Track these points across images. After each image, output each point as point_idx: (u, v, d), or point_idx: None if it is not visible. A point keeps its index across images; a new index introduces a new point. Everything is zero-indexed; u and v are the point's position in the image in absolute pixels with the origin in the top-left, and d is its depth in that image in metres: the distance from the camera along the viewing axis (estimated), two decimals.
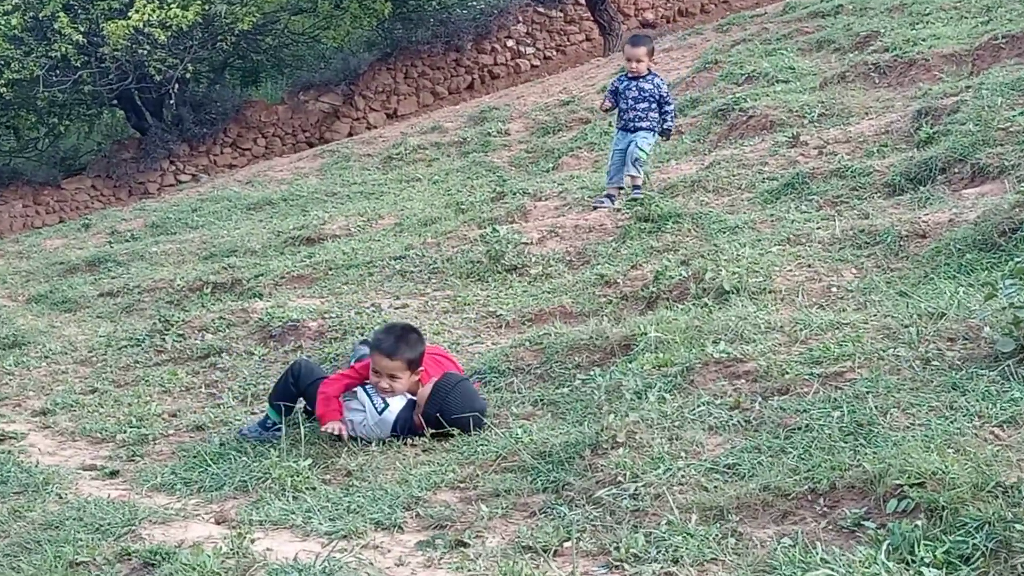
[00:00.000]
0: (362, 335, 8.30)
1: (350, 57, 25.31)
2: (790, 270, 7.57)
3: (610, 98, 10.85)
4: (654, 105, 10.56)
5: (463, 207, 12.20)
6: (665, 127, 10.66)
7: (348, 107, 24.69)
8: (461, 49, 24.99)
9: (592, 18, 24.65)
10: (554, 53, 25.56)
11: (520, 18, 25.46)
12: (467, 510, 5.03)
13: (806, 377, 5.46)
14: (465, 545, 4.60)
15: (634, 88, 10.60)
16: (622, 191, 10.58)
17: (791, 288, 7.25)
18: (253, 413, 7.32)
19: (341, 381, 6.43)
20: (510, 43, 25.37)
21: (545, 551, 4.39)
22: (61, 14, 21.42)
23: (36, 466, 6.44)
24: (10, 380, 9.09)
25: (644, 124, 10.56)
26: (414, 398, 6.29)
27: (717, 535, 4.26)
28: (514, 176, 14.02)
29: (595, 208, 10.45)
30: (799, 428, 4.98)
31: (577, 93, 17.73)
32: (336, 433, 6.21)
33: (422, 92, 24.94)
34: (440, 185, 14.66)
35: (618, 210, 10.16)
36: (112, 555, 4.72)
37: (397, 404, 6.24)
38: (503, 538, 4.67)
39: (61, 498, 5.78)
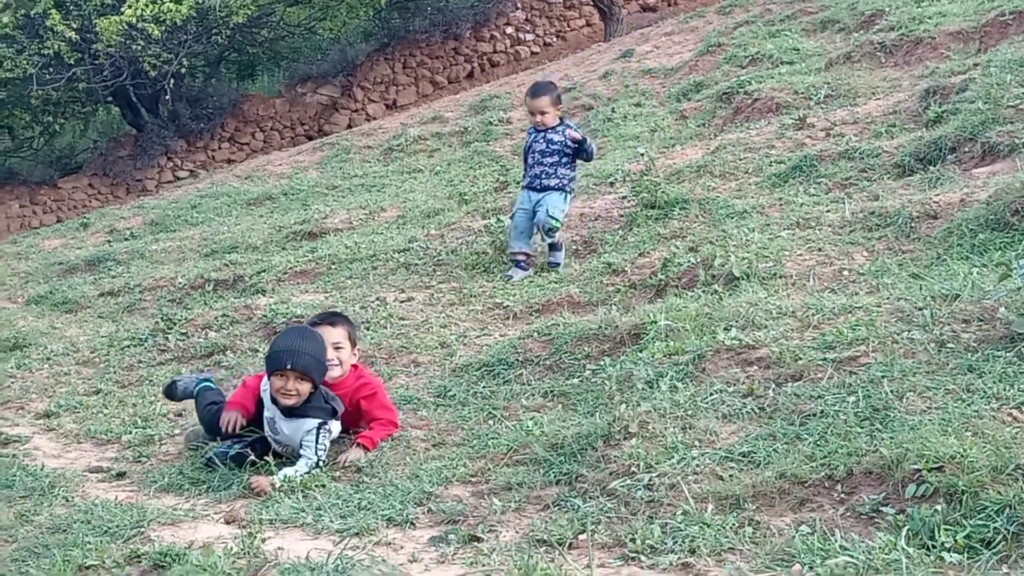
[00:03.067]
0: (367, 329, 8.25)
1: (347, 48, 25.20)
2: (800, 254, 7.52)
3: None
4: (564, 160, 9.19)
5: (466, 198, 12.14)
6: (586, 147, 9.20)
7: (346, 99, 24.61)
8: (459, 37, 24.89)
9: (592, 2, 24.55)
10: (554, 39, 25.46)
11: (519, 4, 25.35)
12: (479, 504, 4.99)
13: (820, 362, 5.41)
14: (478, 540, 4.57)
15: (541, 140, 9.27)
16: (530, 258, 9.26)
17: (802, 272, 7.19)
18: None
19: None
20: (509, 30, 25.28)
21: (560, 544, 4.35)
22: (53, 11, 21.34)
23: (41, 469, 6.38)
24: (12, 383, 9.04)
25: (552, 182, 9.17)
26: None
27: (734, 524, 4.23)
28: (517, 165, 13.90)
29: (508, 280, 9.03)
30: (814, 414, 4.94)
31: (578, 79, 17.64)
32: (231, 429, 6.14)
33: (421, 82, 24.86)
34: (442, 176, 14.59)
35: (535, 274, 9.13)
36: (122, 558, 4.67)
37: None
38: (517, 532, 4.64)
39: (68, 501, 5.73)
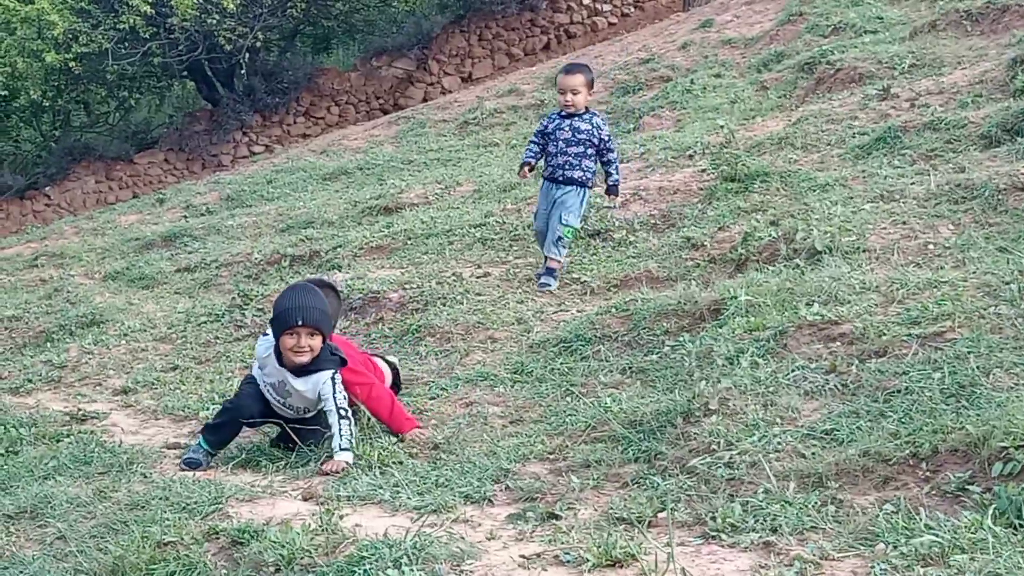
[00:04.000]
0: (444, 304, 8.22)
1: (422, 20, 25.14)
2: (884, 228, 7.39)
3: (532, 150, 8.81)
4: (590, 151, 8.54)
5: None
6: (611, 182, 8.64)
7: (422, 72, 24.57)
8: (536, 9, 24.74)
9: None
10: (632, 10, 25.22)
11: None
12: (557, 482, 4.97)
13: (904, 338, 5.33)
14: (557, 517, 4.54)
15: (567, 128, 8.58)
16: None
17: (886, 246, 7.07)
18: None
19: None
20: (586, 1, 25.08)
21: (639, 522, 4.32)
22: None
23: (119, 446, 6.44)
24: (90, 359, 9.14)
25: (575, 174, 8.52)
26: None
27: (816, 503, 4.19)
28: None
29: (545, 288, 8.36)
30: (898, 391, 4.87)
31: (657, 51, 17.50)
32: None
33: (497, 54, 24.76)
34: (518, 149, 14.48)
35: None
36: (200, 534, 4.69)
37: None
38: (595, 510, 4.61)
39: (146, 477, 5.77)
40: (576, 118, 8.58)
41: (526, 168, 8.83)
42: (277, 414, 6.13)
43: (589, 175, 8.60)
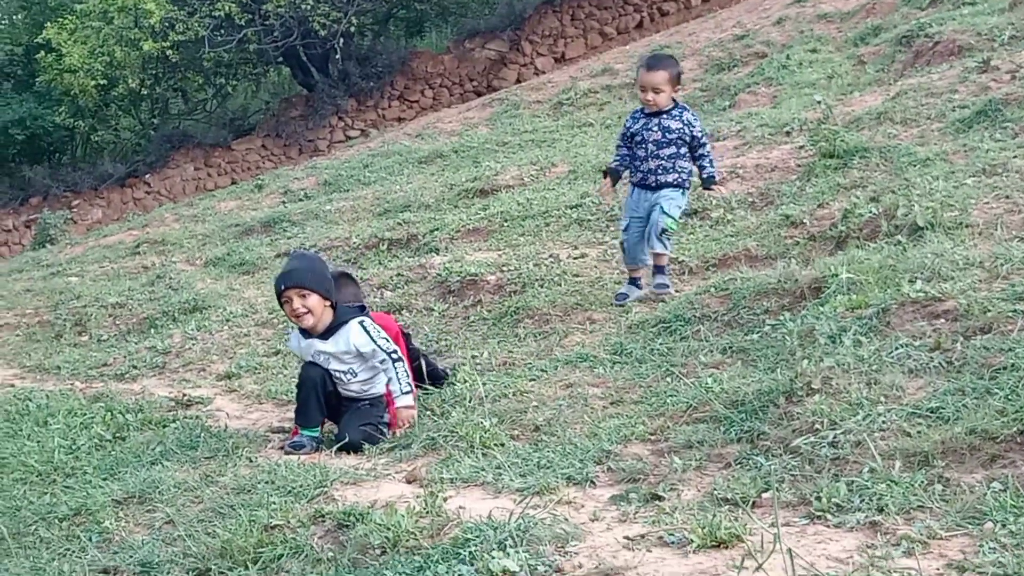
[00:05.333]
0: (541, 286, 8.23)
1: (515, 1, 25.16)
2: (987, 202, 7.27)
3: (619, 155, 8.01)
4: (683, 151, 7.73)
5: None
6: (705, 175, 7.82)
7: (515, 53, 24.59)
8: None
9: None
10: None
11: None
12: (660, 463, 4.95)
13: (1010, 314, 5.24)
14: (660, 498, 4.53)
15: (655, 128, 7.73)
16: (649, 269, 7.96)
17: (989, 221, 6.95)
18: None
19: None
20: None
21: (743, 502, 4.29)
22: None
23: (225, 430, 6.54)
24: (193, 344, 9.28)
25: (670, 177, 7.72)
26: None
27: (922, 482, 4.13)
28: None
29: (619, 304, 7.76)
30: (1005, 368, 4.79)
31: (752, 27, 17.36)
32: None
33: (590, 34, 24.70)
34: (613, 130, 14.44)
35: (643, 300, 7.78)
36: (306, 517, 4.75)
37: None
38: (699, 490, 4.59)
39: (251, 462, 5.85)
40: (664, 115, 7.73)
41: (610, 180, 8.03)
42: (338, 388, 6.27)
43: (685, 175, 7.80)
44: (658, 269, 7.77)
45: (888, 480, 4.16)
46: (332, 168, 17.70)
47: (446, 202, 12.46)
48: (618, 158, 7.98)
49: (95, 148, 27.53)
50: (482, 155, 15.26)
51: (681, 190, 7.78)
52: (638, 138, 7.80)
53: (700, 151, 7.76)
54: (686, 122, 7.72)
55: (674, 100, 7.81)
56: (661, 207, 7.63)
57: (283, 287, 6.14)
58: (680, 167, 7.74)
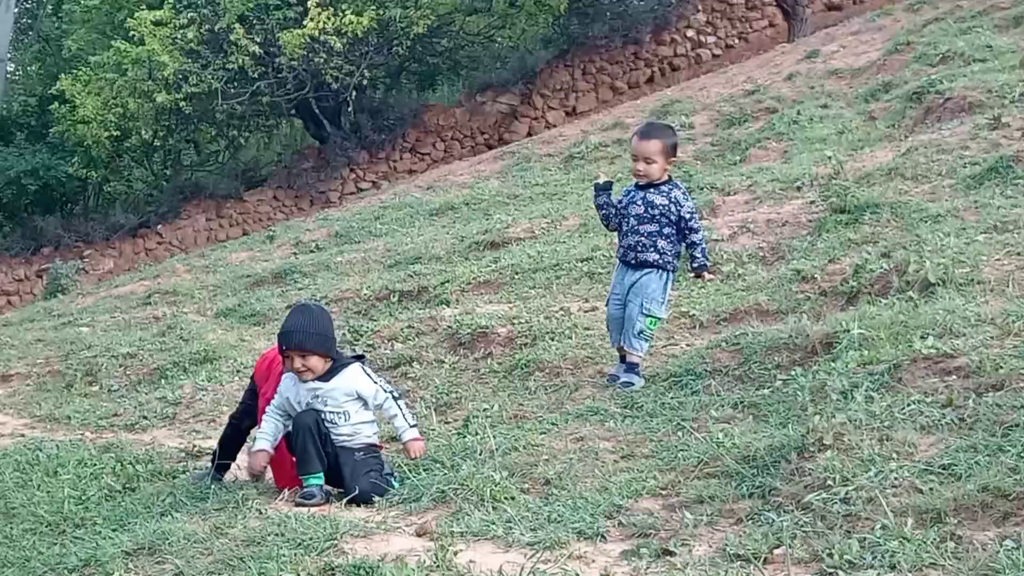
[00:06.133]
0: (552, 339, 8.23)
1: (526, 55, 25.32)
2: (999, 259, 7.28)
3: (612, 216, 7.51)
4: (667, 230, 7.14)
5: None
6: (695, 265, 7.26)
7: (526, 106, 24.72)
8: (639, 42, 24.79)
9: (775, 2, 24.24)
10: (736, 41, 25.20)
11: (699, 6, 25.16)
12: (671, 517, 4.95)
13: (1022, 371, 5.24)
14: (671, 554, 4.52)
15: (639, 202, 7.24)
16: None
17: (1001, 278, 6.95)
18: (446, 422, 7.31)
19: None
20: (690, 33, 25.10)
21: (755, 559, 4.28)
22: (237, 26, 21.94)
23: (235, 481, 6.52)
24: (203, 395, 9.29)
25: (650, 257, 7.14)
26: None
27: (935, 539, 4.13)
28: (700, 170, 13.80)
29: (613, 383, 7.23)
30: (1017, 425, 4.80)
31: (762, 82, 17.44)
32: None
33: (601, 88, 24.84)
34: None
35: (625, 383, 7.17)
36: (316, 570, 4.73)
37: None
38: (710, 546, 4.58)
39: (261, 513, 5.81)
40: (652, 190, 7.21)
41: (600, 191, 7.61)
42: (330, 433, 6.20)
43: (669, 257, 7.18)
44: (629, 366, 7.21)
45: (900, 537, 4.15)
46: (343, 220, 17.74)
47: (457, 254, 12.47)
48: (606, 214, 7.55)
49: (107, 199, 27.69)
50: (493, 208, 15.29)
51: (662, 274, 7.17)
52: (623, 212, 7.33)
53: (691, 236, 7.18)
54: (673, 199, 7.15)
55: (668, 174, 7.30)
56: (641, 305, 7.10)
57: (284, 347, 6.16)
58: (662, 247, 7.14)
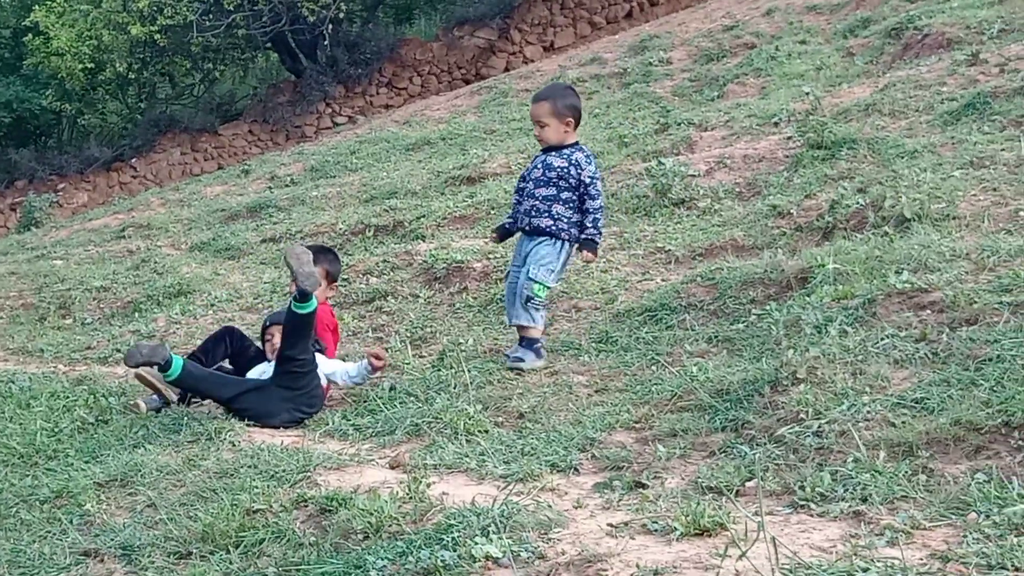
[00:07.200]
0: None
1: None
2: (974, 194, 7.27)
3: (512, 209, 7.09)
4: (565, 195, 6.64)
5: (626, 140, 11.96)
6: (585, 235, 6.67)
7: (504, 41, 24.53)
8: None
9: None
10: None
11: None
12: (644, 451, 4.96)
13: (996, 306, 5.24)
14: (643, 486, 4.53)
15: (539, 165, 6.78)
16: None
17: (976, 213, 6.95)
18: (421, 356, 7.30)
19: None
20: None
21: (728, 491, 4.28)
22: None
23: (207, 414, 6.51)
24: (177, 329, 9.26)
25: (543, 223, 6.63)
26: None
27: (907, 472, 4.13)
28: (678, 106, 13.75)
29: (516, 365, 6.50)
30: (990, 359, 4.79)
31: (741, 18, 17.35)
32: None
33: (579, 23, 24.65)
34: (601, 118, 14.44)
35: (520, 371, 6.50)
36: (288, 502, 4.74)
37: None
38: (682, 479, 4.59)
39: (234, 446, 5.83)
40: (553, 152, 6.75)
41: (497, 236, 7.20)
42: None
43: (564, 225, 6.65)
44: (525, 342, 6.63)
45: (872, 470, 4.16)
46: (319, 154, 17.63)
47: (433, 189, 12.42)
48: (510, 214, 7.09)
49: (81, 132, 27.44)
50: (469, 143, 15.22)
51: (556, 242, 6.65)
52: (525, 177, 6.90)
53: (588, 203, 6.66)
54: (574, 162, 6.66)
55: (568, 138, 6.79)
56: (528, 270, 6.62)
57: (268, 323, 6.78)
58: (557, 212, 6.63)
